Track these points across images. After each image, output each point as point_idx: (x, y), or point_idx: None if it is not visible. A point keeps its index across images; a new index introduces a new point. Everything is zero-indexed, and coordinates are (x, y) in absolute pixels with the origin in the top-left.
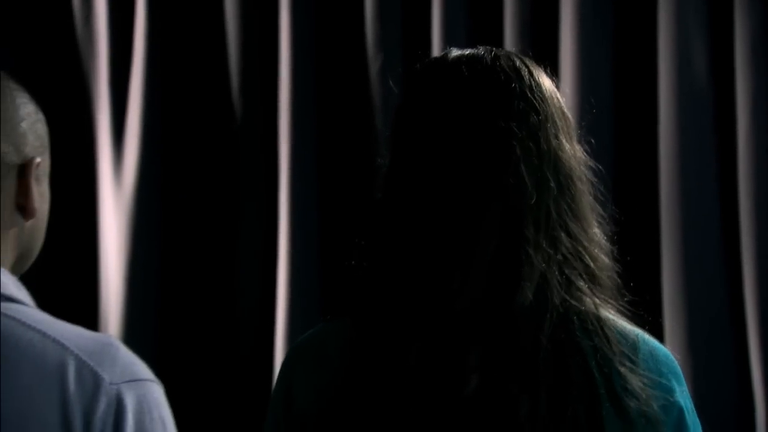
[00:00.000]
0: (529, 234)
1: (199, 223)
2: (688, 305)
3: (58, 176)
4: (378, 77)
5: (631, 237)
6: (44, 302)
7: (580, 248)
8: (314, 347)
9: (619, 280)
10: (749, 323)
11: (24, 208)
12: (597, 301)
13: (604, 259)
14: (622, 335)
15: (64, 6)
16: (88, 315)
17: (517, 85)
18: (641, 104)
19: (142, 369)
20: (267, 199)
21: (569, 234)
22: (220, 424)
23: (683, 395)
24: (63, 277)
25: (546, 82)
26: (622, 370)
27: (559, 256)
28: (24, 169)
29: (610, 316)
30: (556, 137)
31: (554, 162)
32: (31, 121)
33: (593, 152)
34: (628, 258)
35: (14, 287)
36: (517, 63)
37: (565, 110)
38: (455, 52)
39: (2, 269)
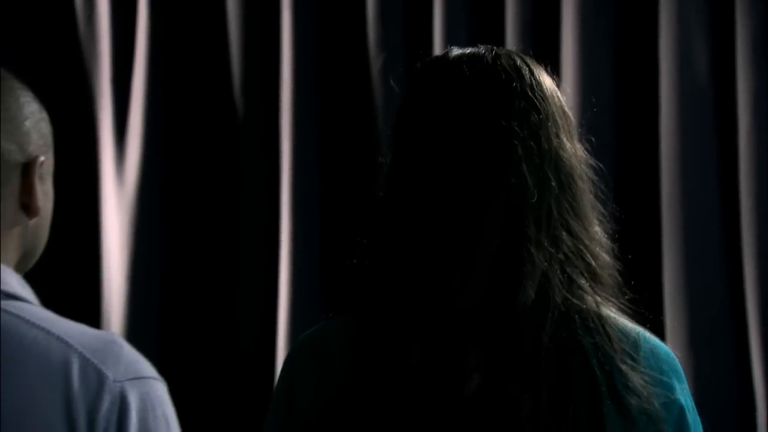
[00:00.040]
0: (531, 233)
1: (201, 221)
2: (689, 303)
3: (60, 175)
4: (379, 77)
5: (633, 235)
6: (47, 300)
7: (582, 247)
8: (316, 345)
9: (620, 279)
10: (750, 321)
11: (28, 207)
12: (598, 299)
13: (605, 258)
14: (624, 333)
15: (66, 5)
16: (90, 313)
17: (518, 84)
18: (642, 103)
19: (145, 367)
20: (269, 197)
21: (570, 232)
22: (222, 421)
23: (684, 393)
24: (65, 275)
25: (547, 80)
26: (624, 367)
27: (561, 255)
28: (28, 168)
29: (612, 314)
30: (557, 136)
31: (555, 161)
32: (34, 120)
33: (594, 151)
34: (630, 256)
35: (18, 285)
36: (518, 62)
37: (566, 109)
38: (456, 51)
39: (6, 267)
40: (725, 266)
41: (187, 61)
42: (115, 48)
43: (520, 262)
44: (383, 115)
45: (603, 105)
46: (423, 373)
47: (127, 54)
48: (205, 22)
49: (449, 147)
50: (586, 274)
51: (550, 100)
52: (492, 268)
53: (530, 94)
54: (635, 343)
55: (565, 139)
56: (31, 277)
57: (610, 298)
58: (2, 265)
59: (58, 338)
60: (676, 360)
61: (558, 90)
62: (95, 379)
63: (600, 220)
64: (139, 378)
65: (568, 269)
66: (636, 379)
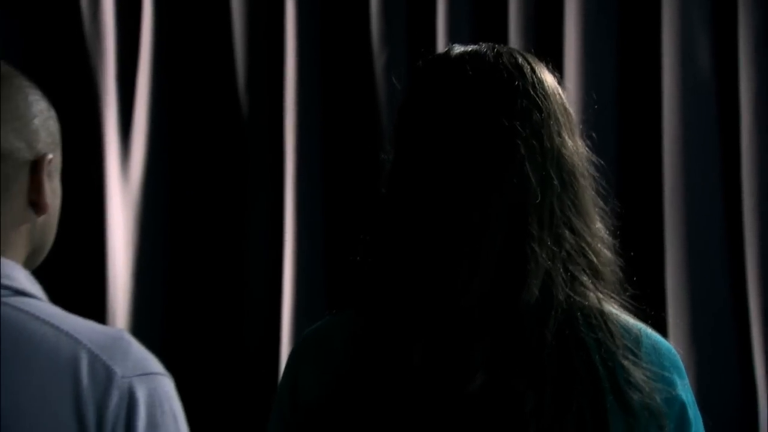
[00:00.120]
0: (534, 231)
1: (205, 218)
2: (692, 300)
3: (65, 172)
4: (383, 73)
5: (635, 232)
6: (52, 297)
7: (584, 244)
8: (320, 341)
9: (622, 275)
10: (752, 318)
11: (36, 204)
12: (600, 296)
13: (607, 254)
14: (625, 329)
15: (71, 3)
16: (96, 309)
17: (519, 83)
18: (645, 99)
19: (153, 363)
20: (273, 194)
21: (573, 230)
22: (227, 416)
23: (685, 389)
24: (71, 272)
25: (548, 78)
26: (626, 363)
27: (563, 253)
28: (36, 166)
29: (614, 311)
30: (559, 134)
31: (557, 159)
32: (43, 118)
33: (597, 147)
34: (632, 253)
35: (27, 281)
36: (520, 60)
37: (567, 106)
38: (458, 49)
39: (15, 264)
40: (727, 262)
41: (192, 59)
42: (120, 45)
43: (523, 260)
44: (387, 112)
45: (606, 101)
46: (426, 371)
47: (132, 52)
48: (210, 20)
49: (452, 146)
50: (588, 271)
51: (551, 98)
52: (496, 267)
53: (532, 92)
54: (637, 339)
55: (566, 137)
56: (37, 274)
57: (613, 295)
58: (11, 262)
59: (67, 334)
60: (678, 356)
61: (559, 87)
62: (104, 375)
63: (602, 217)
64: (147, 374)
65: (570, 267)
66: (638, 375)
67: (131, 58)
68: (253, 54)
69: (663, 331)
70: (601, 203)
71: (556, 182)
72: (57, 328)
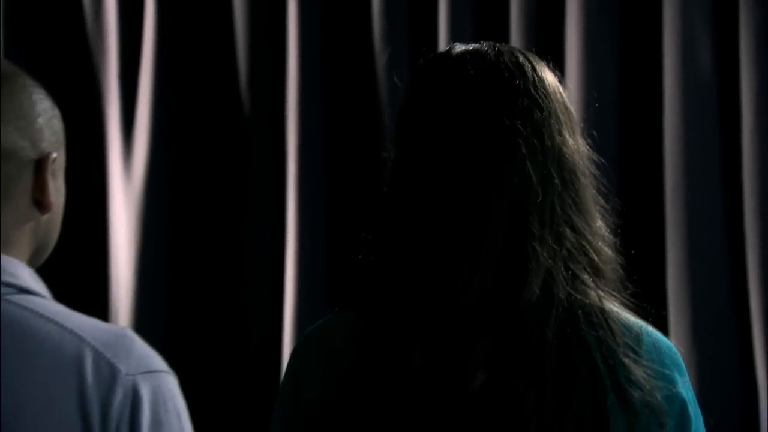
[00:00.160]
0: (535, 230)
1: (207, 216)
2: (693, 298)
3: (68, 170)
4: (385, 72)
5: (637, 230)
6: (55, 295)
7: (584, 242)
8: (322, 339)
9: (623, 273)
10: (753, 316)
11: (40, 203)
12: (601, 294)
13: (608, 253)
14: (626, 327)
15: (74, 2)
16: (98, 307)
17: (520, 82)
18: (646, 99)
19: (156, 360)
20: (275, 192)
21: (573, 228)
22: (229, 415)
23: (685, 386)
24: (74, 270)
25: (549, 77)
26: (626, 361)
27: (564, 251)
28: (40, 164)
29: (614, 309)
30: (560, 133)
31: (558, 158)
32: (47, 117)
33: (598, 146)
34: (633, 251)
35: (31, 279)
36: (521, 59)
37: (568, 105)
38: (459, 48)
39: (19, 262)
40: (728, 261)
41: (194, 57)
42: (122, 44)
43: (524, 259)
44: (388, 111)
45: (607, 100)
46: (427, 370)
47: (134, 50)
48: (212, 18)
49: (453, 145)
50: (589, 270)
51: (552, 97)
52: (496, 266)
53: (533, 91)
54: (638, 337)
55: (567, 136)
56: (39, 272)
57: (613, 293)
58: (15, 260)
59: (71, 332)
60: (678, 354)
61: (560, 86)
62: (108, 373)
63: (603, 215)
64: (150, 371)
65: (571, 265)
66: (638, 373)
67: (133, 57)
68: (255, 52)
69: (664, 329)
70: (602, 201)
71: (557, 181)
72: (61, 326)
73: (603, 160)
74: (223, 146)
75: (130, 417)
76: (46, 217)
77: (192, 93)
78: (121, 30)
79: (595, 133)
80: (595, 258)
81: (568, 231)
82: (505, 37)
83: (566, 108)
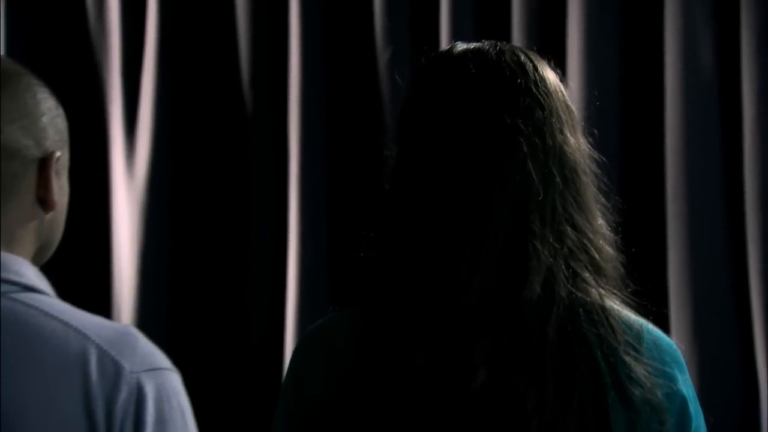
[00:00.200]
0: (536, 229)
1: (210, 214)
2: (694, 296)
3: (71, 168)
4: (387, 70)
5: (638, 228)
6: (58, 293)
7: (586, 240)
8: (323, 338)
9: (623, 271)
10: (754, 313)
11: (44, 201)
12: (602, 291)
13: (609, 251)
14: (627, 325)
15: (77, 0)
16: (101, 305)
17: (522, 81)
18: (647, 97)
19: (160, 358)
20: (277, 190)
21: (575, 227)
22: (231, 412)
23: (686, 384)
24: (76, 267)
25: (550, 75)
26: (627, 359)
27: (565, 250)
28: (44, 163)
29: (615, 306)
30: (561, 132)
31: (559, 156)
32: (51, 116)
33: (599, 145)
34: (634, 249)
35: (36, 277)
36: (522, 58)
37: (569, 103)
38: (460, 47)
39: (24, 260)
40: (729, 259)
41: (196, 55)
42: (125, 42)
43: (525, 257)
44: (390, 109)
45: (608, 98)
46: (429, 368)
47: (137, 48)
48: (214, 16)
49: (454, 144)
50: (590, 267)
51: (553, 96)
52: (498, 264)
53: (534, 90)
54: (638, 334)
55: (568, 134)
56: (42, 270)
57: (615, 291)
58: (20, 258)
59: (76, 330)
60: (678, 351)
61: (561, 84)
62: (112, 371)
63: (604, 213)
64: (154, 369)
65: (572, 263)
66: (639, 370)
67: (136, 55)
68: (257, 51)
69: (665, 327)
70: (603, 200)
71: (558, 179)
72: (66, 324)
73: (604, 159)
74: (225, 144)
75: (134, 414)
76: (50, 215)
77: (194, 91)
78: (124, 28)
79: (596, 131)
80: (596, 256)
81: (569, 229)
82: (506, 35)
83: (567, 106)
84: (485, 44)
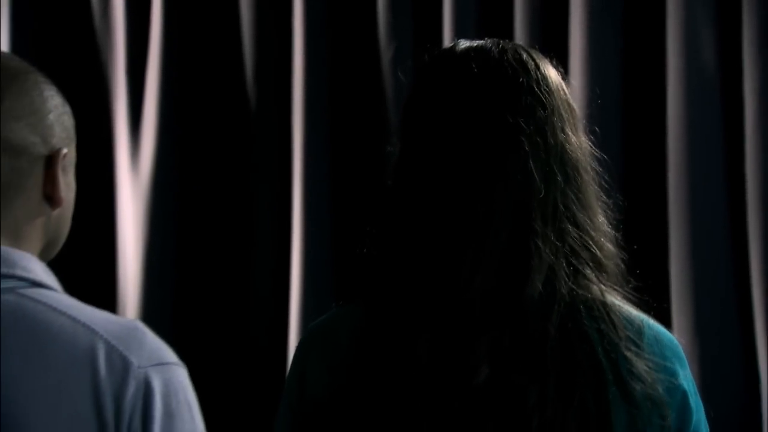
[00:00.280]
0: (538, 227)
1: (214, 211)
2: (695, 291)
3: (76, 165)
4: (390, 67)
5: (640, 225)
6: (63, 289)
7: (587, 238)
8: (326, 333)
9: (624, 267)
10: (756, 309)
11: (51, 198)
12: (603, 287)
13: (610, 248)
14: (628, 320)
15: None
16: (106, 301)
17: (524, 80)
18: (650, 95)
19: (167, 353)
20: (280, 187)
21: (576, 224)
22: (235, 407)
23: (687, 378)
24: (82, 264)
25: (552, 73)
26: (628, 354)
27: (566, 248)
28: (51, 160)
29: (616, 302)
30: (563, 130)
31: (561, 155)
32: (58, 113)
33: (601, 142)
34: (635, 246)
35: (43, 273)
36: (524, 56)
37: (571, 101)
38: (463, 45)
39: (31, 256)
40: (731, 255)
41: (201, 53)
42: (129, 39)
43: (527, 256)
44: (393, 106)
45: (610, 96)
46: (431, 365)
47: (141, 45)
48: (218, 14)
49: (456, 142)
50: (591, 264)
51: (555, 94)
52: (500, 262)
53: (536, 89)
54: (639, 330)
55: (570, 133)
56: (48, 266)
57: (616, 287)
58: (27, 254)
59: (84, 325)
60: (679, 346)
61: (563, 83)
62: (120, 366)
63: (605, 211)
64: (162, 364)
65: (573, 260)
66: (640, 366)
67: (141, 53)
68: (261, 48)
69: (667, 322)
70: (604, 197)
71: (559, 178)
72: (74, 319)
73: (606, 157)
74: (229, 141)
75: (142, 408)
76: (56, 212)
77: (198, 89)
78: (129, 26)
79: (597, 129)
80: (598, 253)
81: (570, 227)
82: (509, 33)
83: (569, 105)
84: (488, 42)
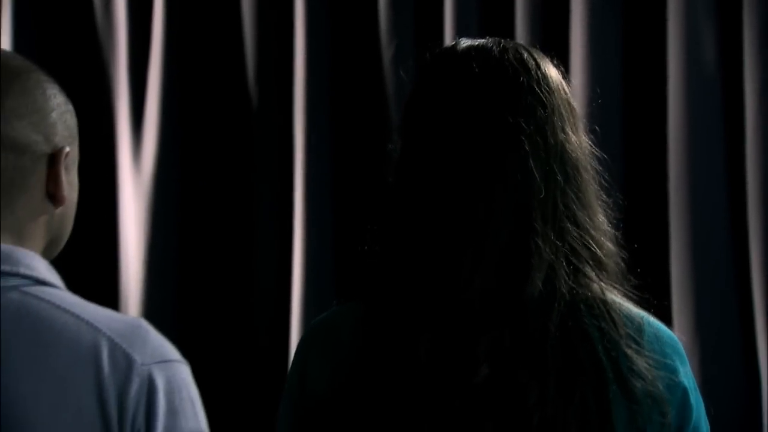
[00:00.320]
0: (538, 226)
1: (215, 208)
2: (696, 289)
3: (78, 163)
4: (391, 65)
5: (641, 223)
6: (66, 286)
7: (587, 236)
8: (327, 331)
9: (624, 266)
10: (756, 306)
11: (54, 196)
12: (603, 285)
13: (610, 246)
14: (628, 318)
15: None
16: (108, 299)
17: (524, 79)
18: (650, 94)
19: (170, 350)
20: (282, 185)
21: (576, 223)
22: (237, 404)
23: (687, 375)
24: (84, 262)
25: (553, 73)
26: (629, 352)
27: (566, 247)
28: (54, 159)
29: (617, 300)
30: (563, 130)
31: (561, 154)
32: (60, 112)
33: (602, 142)
34: (636, 245)
35: (47, 271)
36: (525, 56)
37: (571, 101)
38: (464, 44)
39: (35, 254)
40: (731, 252)
41: (202, 51)
42: (131, 38)
43: (527, 255)
44: (395, 104)
45: (611, 95)
46: (432, 363)
47: (143, 44)
48: (220, 12)
49: (457, 142)
50: (591, 263)
51: (556, 94)
52: (500, 261)
53: (537, 88)
54: (639, 327)
55: (570, 132)
56: (50, 264)
57: (616, 285)
58: (31, 252)
59: (88, 323)
60: (679, 343)
61: (564, 82)
62: (124, 363)
63: (605, 210)
64: (165, 361)
65: (573, 259)
66: (640, 363)
67: (143, 51)
68: (263, 46)
69: (667, 320)
70: (605, 196)
71: (559, 177)
72: (78, 317)
73: (606, 156)
74: (230, 139)
75: (146, 405)
76: (59, 210)
77: (200, 87)
78: (131, 25)
79: (598, 128)
80: (598, 252)
81: (570, 226)
82: (510, 32)
83: (569, 105)
84: (489, 41)
